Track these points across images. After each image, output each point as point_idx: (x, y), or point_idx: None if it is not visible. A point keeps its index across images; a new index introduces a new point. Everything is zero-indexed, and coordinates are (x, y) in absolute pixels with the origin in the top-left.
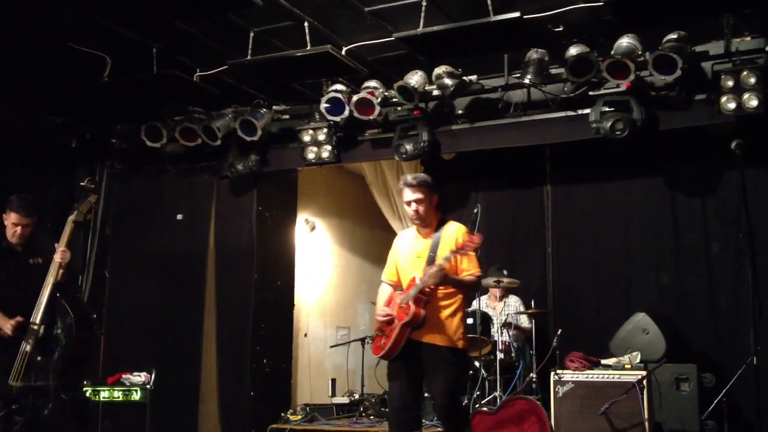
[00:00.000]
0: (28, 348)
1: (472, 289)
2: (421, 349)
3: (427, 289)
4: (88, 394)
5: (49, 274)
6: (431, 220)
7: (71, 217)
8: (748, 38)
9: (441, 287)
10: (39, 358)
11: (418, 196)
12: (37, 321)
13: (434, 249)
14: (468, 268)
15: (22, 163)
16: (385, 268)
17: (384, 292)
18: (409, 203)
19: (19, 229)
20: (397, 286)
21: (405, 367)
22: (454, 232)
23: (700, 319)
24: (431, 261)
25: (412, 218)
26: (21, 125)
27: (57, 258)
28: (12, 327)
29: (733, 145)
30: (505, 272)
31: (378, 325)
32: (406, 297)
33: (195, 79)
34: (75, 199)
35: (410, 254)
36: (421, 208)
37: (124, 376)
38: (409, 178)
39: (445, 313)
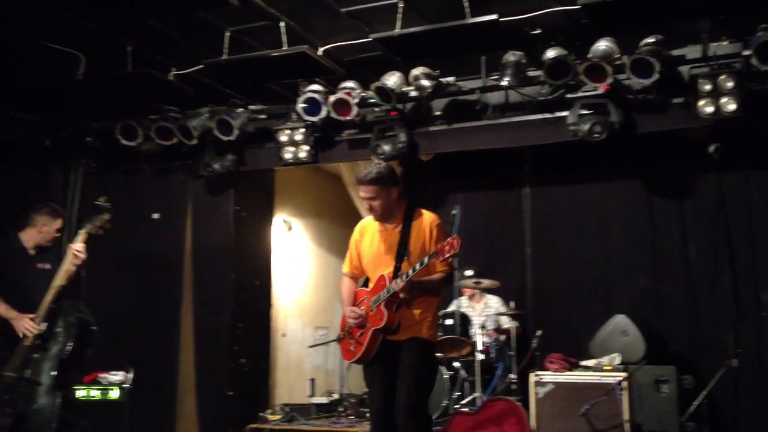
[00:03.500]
0: (27, 342)
1: (442, 288)
2: (395, 346)
3: (401, 295)
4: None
5: (57, 276)
6: (394, 212)
7: (84, 229)
8: (725, 42)
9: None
10: (35, 355)
11: (371, 194)
12: (39, 317)
13: (404, 243)
14: (440, 265)
15: None
16: (346, 258)
17: (347, 287)
18: (363, 200)
19: (59, 234)
20: (359, 277)
21: (384, 370)
22: (426, 223)
23: (679, 321)
24: (401, 257)
25: (372, 215)
26: None
27: (75, 249)
28: (28, 326)
29: (711, 149)
30: (468, 273)
31: (343, 325)
32: (377, 299)
33: (170, 77)
34: (50, 197)
35: (377, 247)
36: (376, 204)
37: (100, 374)
38: (361, 174)
39: (420, 310)
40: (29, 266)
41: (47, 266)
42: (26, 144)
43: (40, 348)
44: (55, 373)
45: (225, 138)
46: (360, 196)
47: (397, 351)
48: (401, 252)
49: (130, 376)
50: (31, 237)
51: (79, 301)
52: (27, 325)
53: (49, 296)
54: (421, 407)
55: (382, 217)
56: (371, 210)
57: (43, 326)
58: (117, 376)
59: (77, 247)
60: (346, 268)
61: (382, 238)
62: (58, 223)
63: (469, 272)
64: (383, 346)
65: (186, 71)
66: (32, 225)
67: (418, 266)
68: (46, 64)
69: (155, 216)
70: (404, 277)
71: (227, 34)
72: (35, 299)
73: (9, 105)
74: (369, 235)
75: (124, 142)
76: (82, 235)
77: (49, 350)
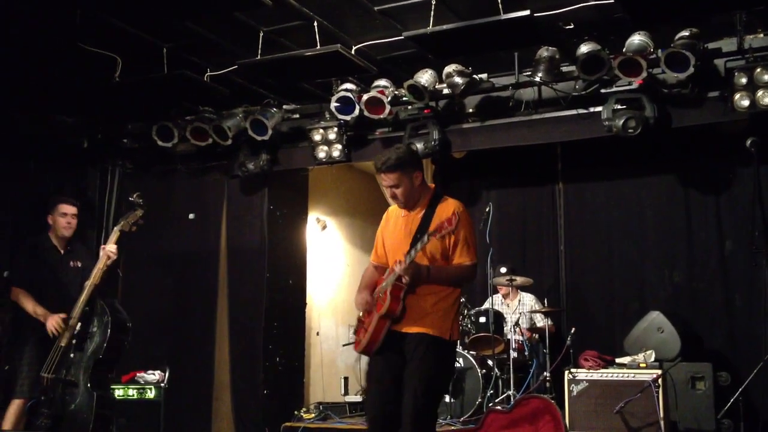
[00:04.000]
0: (63, 342)
1: (462, 281)
2: (404, 340)
3: (404, 280)
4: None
5: (91, 276)
6: (419, 198)
7: (117, 227)
8: (761, 35)
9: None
10: (72, 355)
11: (392, 181)
12: (74, 317)
13: (422, 229)
14: (460, 254)
15: (34, 164)
16: (374, 248)
17: (368, 274)
18: (385, 188)
19: (71, 219)
20: (385, 267)
21: (387, 365)
22: (450, 209)
23: (715, 317)
24: (416, 242)
25: (396, 205)
26: (33, 126)
27: (108, 250)
28: (56, 324)
29: (749, 142)
30: (502, 270)
31: (361, 315)
32: (384, 285)
33: (205, 78)
34: (88, 198)
35: (398, 233)
36: (399, 192)
37: (138, 374)
38: (379, 161)
39: (432, 300)
40: (62, 264)
41: (79, 264)
42: (64, 146)
43: (76, 348)
44: (92, 373)
45: (259, 138)
46: (381, 185)
47: (405, 345)
48: (417, 238)
49: (167, 375)
50: (54, 235)
51: (114, 299)
52: (54, 324)
53: (83, 296)
54: (427, 414)
55: (407, 205)
56: (394, 198)
57: (78, 326)
58: (154, 375)
59: (110, 247)
60: (372, 257)
61: (404, 223)
62: (60, 208)
63: (503, 269)
64: (390, 338)
65: (221, 72)
66: (49, 225)
67: (419, 246)
68: (83, 66)
69: (191, 216)
70: (407, 259)
71: (261, 34)
72: (70, 297)
73: (47, 107)
74: (393, 220)
75: (160, 143)
76: (115, 233)
77: (85, 350)
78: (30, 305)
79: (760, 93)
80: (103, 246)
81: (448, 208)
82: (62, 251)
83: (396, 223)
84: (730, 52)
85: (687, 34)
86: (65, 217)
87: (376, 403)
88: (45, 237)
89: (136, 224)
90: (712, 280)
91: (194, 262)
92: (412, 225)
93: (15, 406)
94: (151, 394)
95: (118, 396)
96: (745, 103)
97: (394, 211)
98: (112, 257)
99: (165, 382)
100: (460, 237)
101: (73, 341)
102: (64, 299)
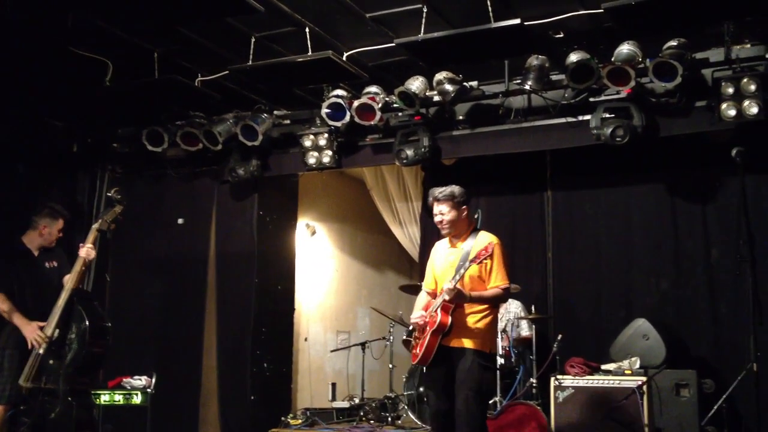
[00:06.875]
0: (41, 350)
1: (499, 301)
2: (452, 353)
3: (447, 298)
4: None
5: (69, 279)
6: (462, 231)
7: (95, 225)
8: (749, 45)
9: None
10: (51, 362)
11: (443, 208)
12: (53, 324)
13: (464, 259)
14: (495, 279)
15: (24, 167)
16: (425, 277)
17: (421, 299)
18: (435, 215)
19: (61, 234)
20: (435, 293)
21: (440, 373)
22: (486, 241)
23: (700, 325)
24: (460, 270)
25: (440, 230)
26: (23, 129)
27: (82, 253)
28: (37, 335)
29: (734, 152)
30: None
31: (416, 333)
32: (434, 305)
33: (196, 83)
34: (77, 202)
35: (445, 264)
36: (445, 219)
37: (124, 379)
38: (436, 191)
39: (474, 318)
40: (38, 266)
41: (54, 264)
42: (54, 149)
43: (54, 356)
44: (71, 380)
45: (250, 143)
46: (433, 212)
47: (453, 357)
48: (461, 266)
49: (153, 380)
50: (32, 239)
51: (94, 302)
52: (35, 335)
53: (60, 301)
54: (478, 415)
55: (449, 231)
56: (440, 224)
57: (56, 333)
58: (140, 381)
59: (87, 247)
60: (424, 284)
61: (449, 254)
62: (59, 224)
63: None
64: (442, 351)
65: (212, 77)
66: (33, 227)
67: (462, 271)
68: (74, 70)
69: (180, 221)
70: (452, 283)
71: (253, 39)
72: (49, 298)
73: (38, 110)
74: (440, 253)
75: (150, 147)
76: (92, 232)
77: (63, 357)
78: (8, 311)
79: (746, 103)
80: (81, 244)
81: (484, 241)
82: (36, 252)
83: (443, 255)
84: (717, 62)
85: (675, 44)
86: (60, 233)
87: (434, 404)
88: (17, 240)
89: (115, 221)
90: (698, 288)
91: (183, 267)
92: (457, 254)
93: None
94: (137, 399)
95: (104, 401)
96: (732, 112)
97: (441, 244)
98: (89, 257)
99: (152, 387)
100: (494, 264)
101: (52, 348)
102: (44, 301)
